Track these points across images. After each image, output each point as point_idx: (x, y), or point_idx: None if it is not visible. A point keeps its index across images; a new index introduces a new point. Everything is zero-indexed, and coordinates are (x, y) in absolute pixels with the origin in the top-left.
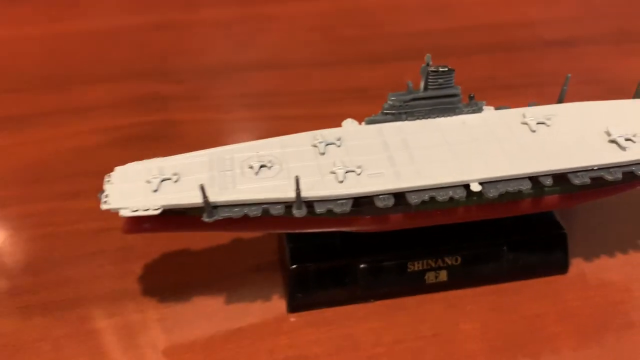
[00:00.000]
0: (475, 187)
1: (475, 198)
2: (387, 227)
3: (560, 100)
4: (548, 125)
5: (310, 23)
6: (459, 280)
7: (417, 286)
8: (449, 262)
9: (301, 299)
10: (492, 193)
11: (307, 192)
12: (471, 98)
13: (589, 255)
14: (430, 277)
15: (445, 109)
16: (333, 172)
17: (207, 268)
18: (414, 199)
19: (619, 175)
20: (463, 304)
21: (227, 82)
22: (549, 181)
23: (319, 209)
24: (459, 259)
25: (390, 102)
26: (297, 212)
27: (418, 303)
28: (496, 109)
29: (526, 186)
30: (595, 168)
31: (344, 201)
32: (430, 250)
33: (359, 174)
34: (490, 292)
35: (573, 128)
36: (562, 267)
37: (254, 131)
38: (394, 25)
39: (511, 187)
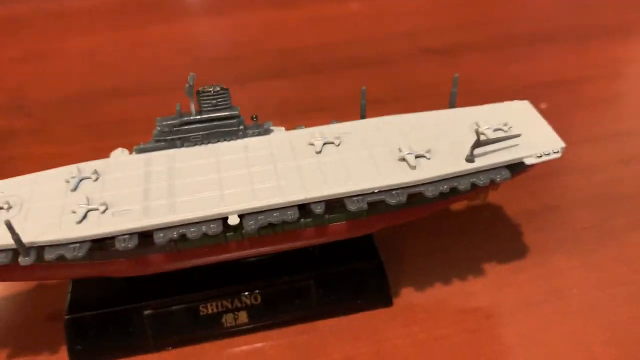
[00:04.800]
0: (233, 220)
1: (233, 233)
2: (151, 270)
3: (451, 105)
4: (337, 145)
5: (178, 46)
6: (262, 322)
7: (214, 331)
8: (248, 302)
9: (81, 352)
10: (252, 226)
11: (38, 237)
12: (254, 119)
13: (422, 284)
14: (228, 320)
15: (225, 132)
16: (74, 212)
17: None
18: (160, 238)
19: (403, 199)
20: (267, 349)
21: (78, 113)
22: (319, 208)
23: (49, 255)
24: (259, 297)
25: (159, 128)
26: (22, 260)
27: (218, 349)
28: (294, 129)
29: (292, 216)
30: (376, 191)
31: (76, 245)
32: (226, 289)
33: (103, 212)
34: (301, 332)
35: (364, 146)
36: (384, 300)
37: None
38: (271, 41)
39: (273, 218)
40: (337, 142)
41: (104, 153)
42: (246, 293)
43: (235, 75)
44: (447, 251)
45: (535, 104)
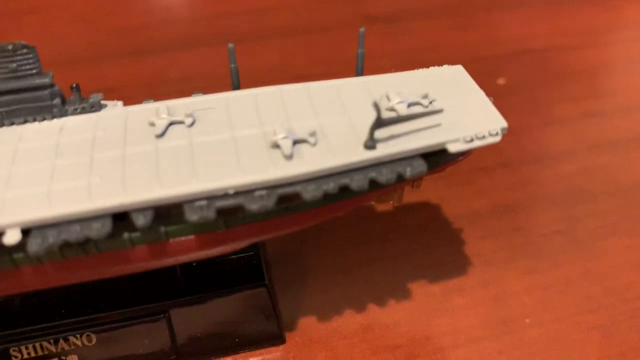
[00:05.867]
0: (10, 238)
1: (22, 255)
2: None
3: (358, 71)
4: (188, 125)
5: (75, 13)
6: None
7: None
8: (78, 344)
9: None
10: (38, 245)
11: None
12: (74, 89)
13: (327, 312)
14: None
15: (33, 108)
16: None
17: None
18: None
19: (269, 203)
20: None
21: None
22: (142, 219)
23: None
24: (93, 337)
25: None
26: None
27: None
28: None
29: (100, 230)
30: (231, 192)
31: None
32: (48, 326)
33: None
34: None
35: (227, 127)
36: (273, 337)
37: None
38: (188, 7)
39: (72, 234)
40: (188, 121)
41: None
42: (76, 332)
43: (139, 47)
44: (365, 265)
45: (493, 78)
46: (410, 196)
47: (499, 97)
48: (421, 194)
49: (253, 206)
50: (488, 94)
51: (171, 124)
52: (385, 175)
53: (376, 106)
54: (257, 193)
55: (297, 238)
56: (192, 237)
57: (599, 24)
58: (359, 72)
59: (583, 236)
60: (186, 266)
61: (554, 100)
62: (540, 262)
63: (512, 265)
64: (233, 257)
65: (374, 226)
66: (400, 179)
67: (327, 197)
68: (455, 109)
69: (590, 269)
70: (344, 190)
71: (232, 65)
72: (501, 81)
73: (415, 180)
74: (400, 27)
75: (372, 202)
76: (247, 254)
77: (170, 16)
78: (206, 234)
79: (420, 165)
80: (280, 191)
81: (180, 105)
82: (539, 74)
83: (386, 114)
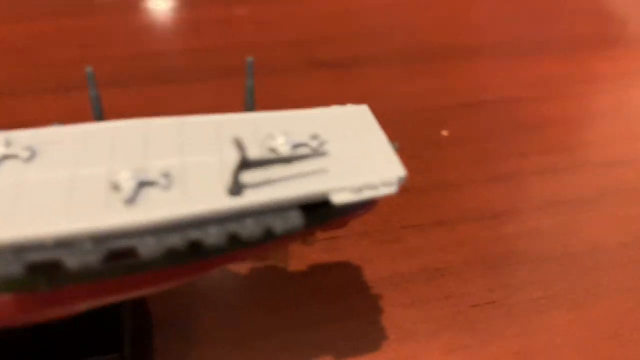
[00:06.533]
0: None
1: None
2: None
3: (248, 107)
4: (25, 160)
5: (6, 45)
6: None
7: None
8: None
9: None
10: None
11: None
12: None
13: None
14: None
15: None
16: None
17: None
18: None
19: (92, 259)
20: None
21: None
22: None
23: None
24: None
25: None
26: None
27: None
28: None
29: None
30: (50, 244)
31: None
32: None
33: None
34: None
35: (69, 163)
36: None
37: None
38: (115, 47)
39: None
40: (25, 155)
41: None
42: None
43: (67, 82)
44: (267, 336)
45: (440, 129)
46: (329, 255)
47: (442, 149)
48: (341, 252)
49: (72, 262)
50: (431, 145)
51: (5, 157)
52: (249, 229)
53: (239, 144)
54: (84, 246)
55: (189, 297)
56: (6, 297)
57: (558, 76)
58: (249, 108)
59: (520, 308)
60: (38, 327)
61: (502, 154)
62: (469, 338)
63: (436, 340)
64: (93, 317)
65: (283, 289)
66: (270, 235)
67: (174, 255)
68: (350, 153)
69: (526, 348)
70: (196, 247)
71: (92, 94)
72: (445, 133)
73: (307, 235)
74: (349, 74)
75: (246, 262)
76: (111, 314)
77: (106, 53)
78: (24, 295)
79: (296, 219)
80: (111, 245)
81: (23, 137)
82: (488, 126)
83: (266, 155)
